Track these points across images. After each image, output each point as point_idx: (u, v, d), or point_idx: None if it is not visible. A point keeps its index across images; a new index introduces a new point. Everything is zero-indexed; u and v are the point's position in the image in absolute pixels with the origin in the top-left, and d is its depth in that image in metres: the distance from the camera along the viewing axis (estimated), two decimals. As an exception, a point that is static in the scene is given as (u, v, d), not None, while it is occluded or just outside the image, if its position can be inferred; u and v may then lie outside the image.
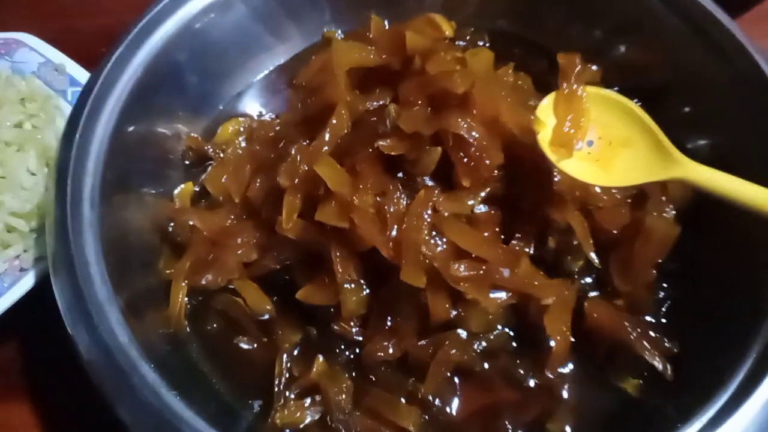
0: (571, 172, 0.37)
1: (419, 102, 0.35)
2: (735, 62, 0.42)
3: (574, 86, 0.40)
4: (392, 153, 0.35)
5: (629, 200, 0.43)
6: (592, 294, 0.41)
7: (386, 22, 0.50)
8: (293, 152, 0.37)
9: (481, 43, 0.52)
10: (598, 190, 0.42)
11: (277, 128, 0.43)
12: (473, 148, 0.34)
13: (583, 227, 0.40)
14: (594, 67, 0.48)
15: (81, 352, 0.33)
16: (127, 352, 0.33)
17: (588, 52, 0.50)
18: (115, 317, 0.34)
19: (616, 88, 0.47)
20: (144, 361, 0.33)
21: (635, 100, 0.47)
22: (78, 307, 0.34)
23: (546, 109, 0.39)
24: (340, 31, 0.53)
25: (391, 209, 0.36)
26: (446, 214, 0.35)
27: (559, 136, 0.38)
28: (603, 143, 0.39)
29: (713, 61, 0.44)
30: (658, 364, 0.37)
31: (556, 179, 0.39)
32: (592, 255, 0.40)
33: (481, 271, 0.36)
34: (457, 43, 0.52)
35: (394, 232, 0.36)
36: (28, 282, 0.41)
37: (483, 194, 0.37)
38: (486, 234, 0.36)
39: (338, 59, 0.36)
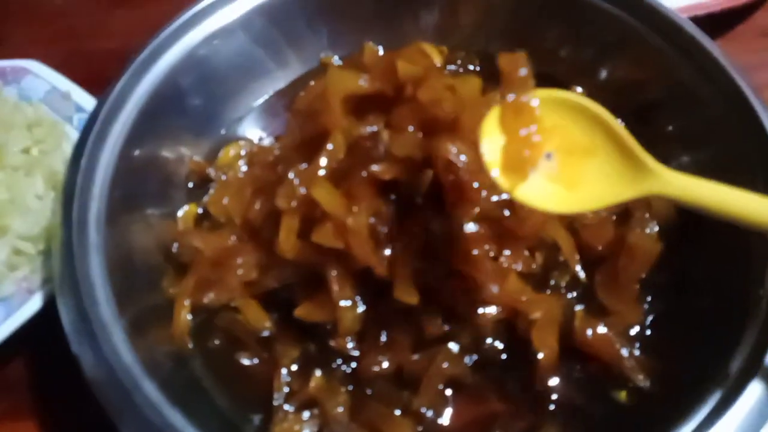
0: (531, 201, 0.32)
1: (411, 128, 0.37)
2: (716, 81, 0.44)
3: (522, 95, 0.33)
4: (385, 177, 0.37)
5: (614, 217, 0.45)
6: (579, 307, 0.42)
7: (381, 48, 0.52)
8: (291, 176, 0.39)
9: (471, 67, 0.54)
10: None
11: (276, 152, 0.45)
12: (462, 171, 0.36)
13: (568, 244, 0.42)
14: (579, 89, 0.51)
15: (85, 371, 0.34)
16: (130, 370, 0.34)
17: (577, 72, 0.52)
18: (119, 337, 0.35)
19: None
20: (147, 379, 0.34)
21: (620, 119, 0.50)
22: (83, 328, 0.35)
23: (491, 125, 0.32)
24: (337, 57, 0.55)
25: (385, 230, 0.37)
26: (437, 234, 0.37)
27: (510, 158, 0.32)
28: (562, 154, 0.33)
29: (696, 80, 0.46)
30: (642, 382, 0.39)
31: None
32: (579, 271, 0.42)
33: (471, 288, 0.38)
34: (448, 66, 0.54)
35: (387, 252, 0.37)
36: (35, 304, 0.42)
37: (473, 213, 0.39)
38: (475, 252, 0.38)
39: (333, 88, 0.38)
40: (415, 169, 0.37)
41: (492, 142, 0.32)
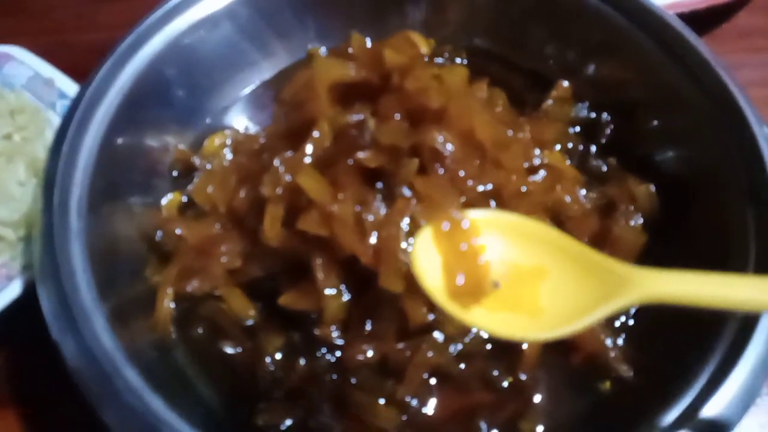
0: (492, 328, 0.30)
1: (397, 116, 0.37)
2: (701, 78, 0.45)
3: (454, 216, 0.30)
4: (371, 165, 0.37)
5: (598, 209, 0.45)
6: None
7: (368, 40, 0.52)
8: (276, 163, 0.39)
9: (458, 60, 0.54)
10: (568, 200, 0.44)
11: (262, 141, 0.45)
12: (448, 161, 0.36)
13: None
14: (565, 83, 0.51)
15: (66, 358, 0.34)
16: (110, 356, 0.34)
17: (562, 69, 0.53)
18: (99, 323, 0.35)
19: (587, 103, 0.51)
20: (128, 366, 0.34)
21: (605, 114, 0.50)
22: (63, 314, 0.35)
23: (424, 249, 0.30)
24: (324, 48, 0.55)
25: (370, 218, 0.37)
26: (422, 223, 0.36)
27: (456, 283, 0.30)
28: (510, 283, 0.30)
29: (681, 78, 0.46)
30: (625, 373, 0.39)
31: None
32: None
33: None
34: (435, 59, 0.54)
35: (372, 240, 0.37)
36: (14, 290, 0.42)
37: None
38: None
39: (320, 75, 0.38)
40: (401, 158, 0.37)
41: (429, 264, 0.29)
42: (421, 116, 0.37)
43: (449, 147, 0.36)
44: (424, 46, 0.41)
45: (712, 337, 0.37)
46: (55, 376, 0.35)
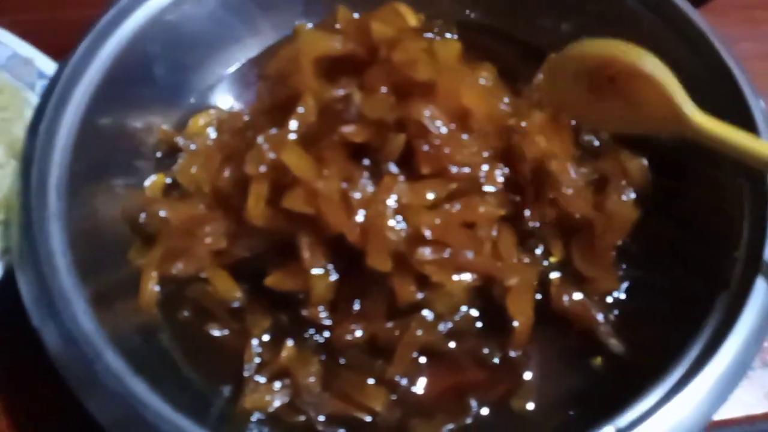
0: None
1: (383, 89, 0.36)
2: (697, 50, 0.44)
3: None
4: (356, 140, 0.36)
5: (591, 184, 0.44)
6: (555, 274, 0.42)
7: (356, 15, 0.51)
8: (260, 140, 0.38)
9: (449, 35, 0.53)
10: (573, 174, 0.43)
11: (246, 118, 0.44)
12: (435, 137, 0.35)
13: (554, 233, 0.41)
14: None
15: (47, 344, 0.33)
16: (92, 340, 0.33)
17: (556, 42, 0.51)
18: (80, 306, 0.34)
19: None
20: (109, 349, 0.33)
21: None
22: (43, 299, 0.34)
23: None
24: (311, 24, 0.54)
25: (357, 195, 0.36)
26: (407, 200, 0.36)
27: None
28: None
29: (676, 49, 0.45)
30: (617, 348, 0.39)
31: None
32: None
33: (445, 255, 0.37)
34: (426, 34, 0.53)
35: (359, 218, 0.36)
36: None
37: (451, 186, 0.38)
38: (449, 218, 0.37)
39: (305, 48, 0.37)
40: (388, 133, 0.36)
41: None
42: (409, 90, 0.36)
43: (437, 123, 0.35)
44: (412, 19, 0.40)
45: (703, 312, 0.36)
46: (37, 365, 0.35)
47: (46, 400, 0.39)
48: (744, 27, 0.60)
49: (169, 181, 0.46)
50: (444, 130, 0.36)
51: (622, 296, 0.41)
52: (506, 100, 0.46)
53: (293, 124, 0.37)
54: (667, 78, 0.36)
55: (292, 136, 0.37)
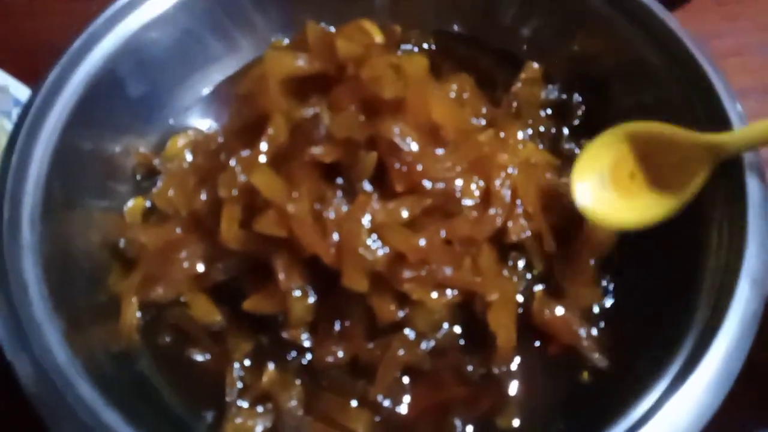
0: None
1: (351, 108, 0.36)
2: (671, 53, 0.43)
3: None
4: (326, 160, 0.35)
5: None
6: (538, 287, 0.41)
7: (333, 28, 0.50)
8: (232, 163, 0.37)
9: (426, 46, 0.53)
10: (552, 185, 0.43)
11: (220, 140, 0.44)
12: (406, 154, 0.35)
13: (536, 246, 0.41)
14: (535, 65, 0.49)
15: (20, 377, 0.33)
16: (64, 371, 0.33)
17: (533, 48, 0.51)
18: (53, 336, 0.34)
19: (557, 84, 0.49)
20: (83, 380, 0.33)
21: (576, 95, 0.49)
22: (16, 332, 0.34)
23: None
24: (287, 40, 0.54)
25: (331, 215, 0.36)
26: (381, 219, 0.35)
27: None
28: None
29: (651, 53, 0.44)
30: (600, 362, 0.38)
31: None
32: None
33: (423, 272, 0.37)
34: (403, 46, 0.53)
35: (334, 238, 0.36)
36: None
37: (426, 201, 0.37)
38: (426, 235, 0.37)
39: (271, 69, 0.37)
40: (358, 152, 0.35)
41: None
42: (378, 107, 0.36)
43: (408, 140, 0.35)
44: (377, 35, 0.40)
45: (687, 321, 0.36)
46: (10, 398, 0.34)
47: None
48: (722, 22, 0.59)
49: (149, 204, 0.46)
50: (415, 146, 0.35)
51: (606, 311, 0.40)
52: (483, 110, 0.46)
53: (263, 146, 0.36)
54: (673, 128, 0.37)
55: (263, 158, 0.36)
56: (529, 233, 0.41)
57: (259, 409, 0.38)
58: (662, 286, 0.39)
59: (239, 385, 0.39)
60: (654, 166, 0.38)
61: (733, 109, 0.39)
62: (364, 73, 0.36)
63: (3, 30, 0.61)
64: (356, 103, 0.36)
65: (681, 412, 0.33)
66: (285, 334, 0.39)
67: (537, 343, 0.40)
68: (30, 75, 0.51)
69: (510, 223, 0.41)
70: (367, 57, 0.36)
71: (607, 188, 0.38)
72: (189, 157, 0.46)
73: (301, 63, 0.37)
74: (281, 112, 0.37)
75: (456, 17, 0.54)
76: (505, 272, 0.41)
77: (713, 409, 0.33)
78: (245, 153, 0.37)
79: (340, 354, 0.38)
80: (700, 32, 0.44)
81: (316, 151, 0.35)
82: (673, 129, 0.37)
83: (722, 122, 0.38)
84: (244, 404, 0.38)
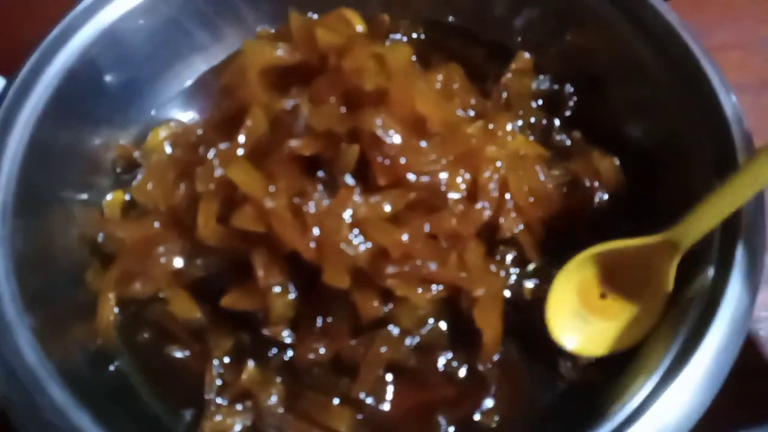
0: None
1: (332, 99, 0.35)
2: (665, 45, 0.42)
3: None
4: (305, 153, 0.34)
5: (564, 189, 0.43)
6: (529, 283, 0.40)
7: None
8: (210, 156, 0.36)
9: (415, 35, 0.52)
10: (541, 177, 0.42)
11: (200, 132, 0.43)
12: (389, 147, 0.34)
13: (529, 240, 0.40)
14: (526, 55, 0.48)
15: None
16: (34, 372, 0.32)
17: (524, 40, 0.50)
18: (23, 336, 0.33)
19: (549, 75, 0.48)
20: (54, 381, 0.32)
21: (568, 86, 0.48)
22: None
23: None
24: (274, 30, 0.52)
25: (311, 210, 0.35)
26: (364, 213, 0.34)
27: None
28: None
29: (645, 44, 0.43)
30: (586, 359, 0.38)
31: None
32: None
33: (407, 268, 0.36)
34: (392, 35, 0.51)
35: (315, 233, 0.35)
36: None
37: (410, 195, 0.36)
38: (410, 230, 0.36)
39: (250, 60, 0.36)
40: (339, 144, 0.34)
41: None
42: (359, 99, 0.35)
43: (390, 132, 0.34)
44: (359, 24, 0.38)
45: (675, 322, 0.35)
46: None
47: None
48: (722, 15, 0.58)
49: (128, 198, 0.45)
50: (398, 139, 0.34)
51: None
52: (473, 101, 0.45)
53: (242, 138, 0.35)
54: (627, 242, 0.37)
55: (241, 151, 0.35)
56: (522, 227, 0.40)
57: (239, 407, 0.37)
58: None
59: (218, 382, 0.38)
60: (622, 281, 0.38)
61: (728, 101, 0.38)
62: (346, 63, 0.35)
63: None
64: (338, 94, 0.35)
65: (669, 412, 0.32)
66: (266, 331, 0.38)
67: (524, 341, 0.39)
68: (5, 67, 0.49)
69: (502, 219, 0.40)
70: (349, 47, 0.35)
71: (584, 317, 0.38)
72: (169, 150, 0.45)
73: (281, 53, 0.36)
74: (260, 104, 0.36)
75: (448, 7, 0.53)
76: (493, 267, 0.40)
77: (703, 408, 0.32)
78: (223, 146, 0.36)
79: (322, 351, 0.38)
80: (699, 25, 0.43)
81: (295, 144, 0.34)
82: (628, 241, 0.37)
83: (716, 115, 0.37)
84: (224, 402, 0.38)
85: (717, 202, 0.33)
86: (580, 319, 0.38)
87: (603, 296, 0.38)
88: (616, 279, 0.38)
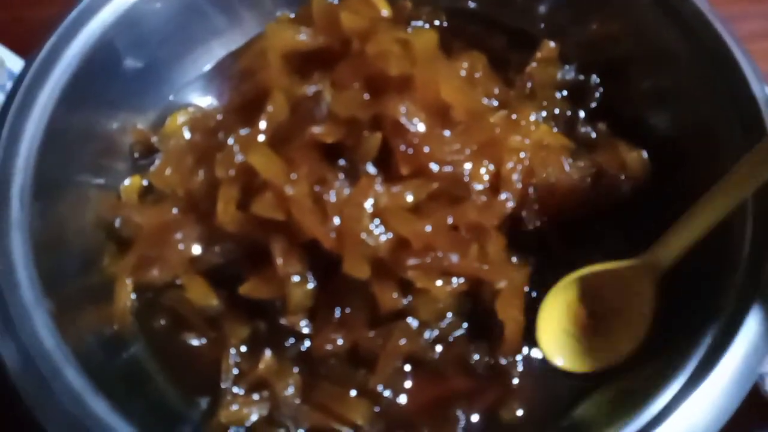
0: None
1: (355, 85, 0.34)
2: (695, 33, 0.41)
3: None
4: (327, 140, 0.34)
5: (588, 179, 0.42)
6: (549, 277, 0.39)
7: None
8: (230, 142, 0.36)
9: (437, 23, 0.51)
10: (566, 169, 0.41)
11: (219, 117, 0.42)
12: (413, 135, 0.33)
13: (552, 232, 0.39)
14: (551, 44, 0.47)
15: (5, 360, 0.32)
16: (50, 357, 0.31)
17: (549, 28, 0.49)
18: (41, 321, 0.32)
19: (574, 65, 0.47)
20: (70, 366, 0.31)
21: (594, 76, 0.46)
22: (0, 314, 0.33)
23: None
24: (294, 14, 0.51)
25: (332, 198, 0.34)
26: (385, 203, 0.34)
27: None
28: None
29: (674, 32, 0.42)
30: None
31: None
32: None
33: (428, 259, 0.35)
34: (413, 22, 0.50)
35: (335, 222, 0.34)
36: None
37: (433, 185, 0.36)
38: (431, 221, 0.35)
39: (272, 43, 0.35)
40: (362, 132, 0.34)
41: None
42: (383, 85, 0.34)
43: (415, 120, 0.33)
44: (384, 8, 0.37)
45: (706, 315, 0.34)
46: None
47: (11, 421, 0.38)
48: (749, 4, 0.56)
49: (146, 183, 0.45)
50: (422, 127, 0.34)
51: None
52: (496, 90, 0.44)
53: (263, 124, 0.35)
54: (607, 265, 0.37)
55: (262, 137, 0.34)
56: (545, 219, 0.39)
57: (255, 396, 0.37)
58: (685, 277, 0.37)
59: (235, 371, 0.38)
60: (607, 301, 0.38)
61: (762, 92, 0.36)
62: (370, 48, 0.34)
63: (2, 4, 0.59)
64: (361, 80, 0.34)
65: (696, 414, 0.31)
66: (283, 321, 0.38)
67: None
68: (23, 48, 0.49)
69: (524, 213, 0.39)
70: (373, 31, 0.34)
71: (573, 335, 0.38)
72: (187, 135, 0.44)
73: (303, 37, 0.35)
74: (282, 89, 0.35)
75: (470, -6, 0.51)
76: (515, 259, 0.39)
77: (731, 410, 0.31)
78: (244, 131, 0.36)
79: (340, 342, 0.37)
80: (726, 14, 0.41)
81: (317, 130, 0.33)
82: (607, 264, 0.37)
83: (749, 105, 0.36)
84: (240, 391, 0.37)
85: (690, 223, 0.34)
86: (570, 337, 0.38)
87: (592, 315, 0.38)
88: (602, 299, 0.38)
